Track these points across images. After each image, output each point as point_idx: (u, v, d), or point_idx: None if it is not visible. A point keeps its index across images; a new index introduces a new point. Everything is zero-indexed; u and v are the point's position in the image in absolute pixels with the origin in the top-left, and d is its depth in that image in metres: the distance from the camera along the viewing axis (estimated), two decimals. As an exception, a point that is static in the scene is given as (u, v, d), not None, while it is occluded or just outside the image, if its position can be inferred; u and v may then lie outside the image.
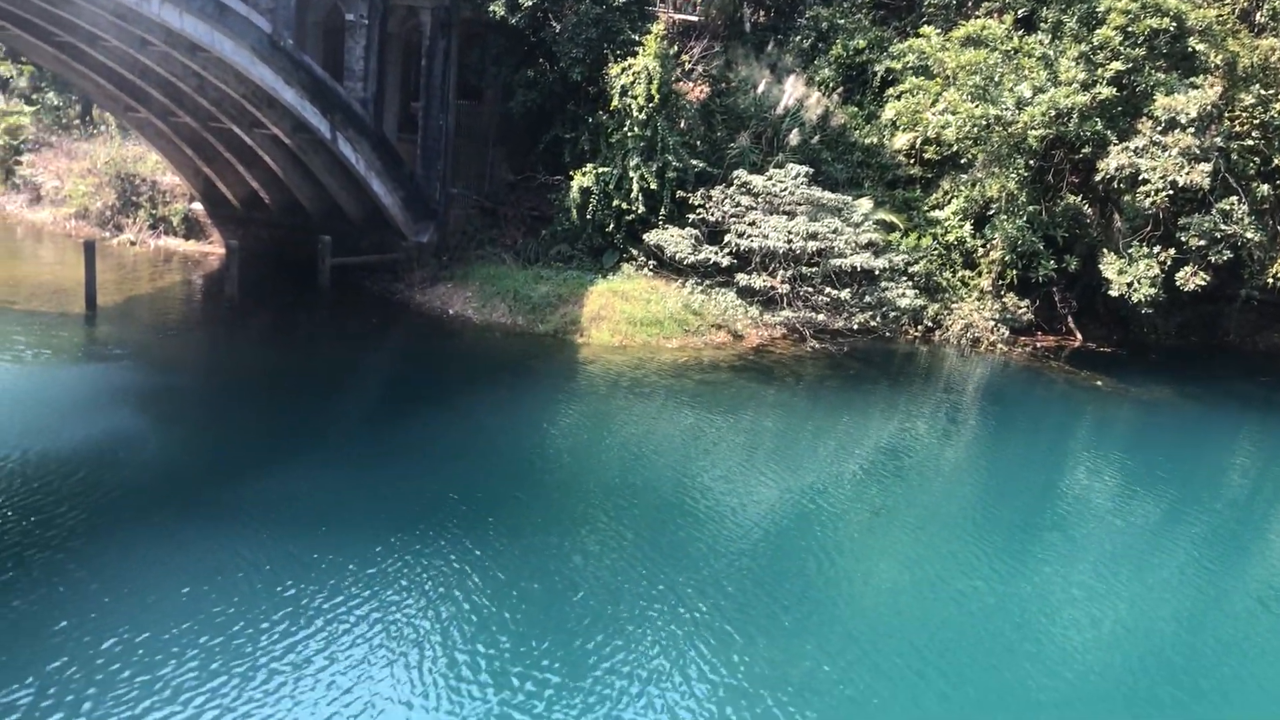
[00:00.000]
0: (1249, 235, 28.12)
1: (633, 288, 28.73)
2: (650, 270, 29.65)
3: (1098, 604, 14.92)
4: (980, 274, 31.45)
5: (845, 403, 24.45)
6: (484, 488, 16.77)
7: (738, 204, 29.65)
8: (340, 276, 30.05)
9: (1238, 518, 20.01)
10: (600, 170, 29.72)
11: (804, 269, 29.23)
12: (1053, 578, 15.73)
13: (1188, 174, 27.64)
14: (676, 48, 32.44)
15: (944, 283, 31.26)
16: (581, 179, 29.81)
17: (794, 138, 31.47)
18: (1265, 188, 28.92)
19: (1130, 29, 28.56)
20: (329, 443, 18.83)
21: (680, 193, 30.00)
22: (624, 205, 29.60)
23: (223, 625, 11.74)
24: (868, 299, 29.75)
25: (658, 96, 29.05)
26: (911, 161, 33.52)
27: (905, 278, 30.38)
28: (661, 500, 17.09)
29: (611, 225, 30.08)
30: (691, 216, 29.79)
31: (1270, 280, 29.60)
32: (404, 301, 29.57)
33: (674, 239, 29.27)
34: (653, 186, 29.33)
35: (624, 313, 27.81)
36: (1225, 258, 28.63)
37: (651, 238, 29.48)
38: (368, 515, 15.19)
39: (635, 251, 30.13)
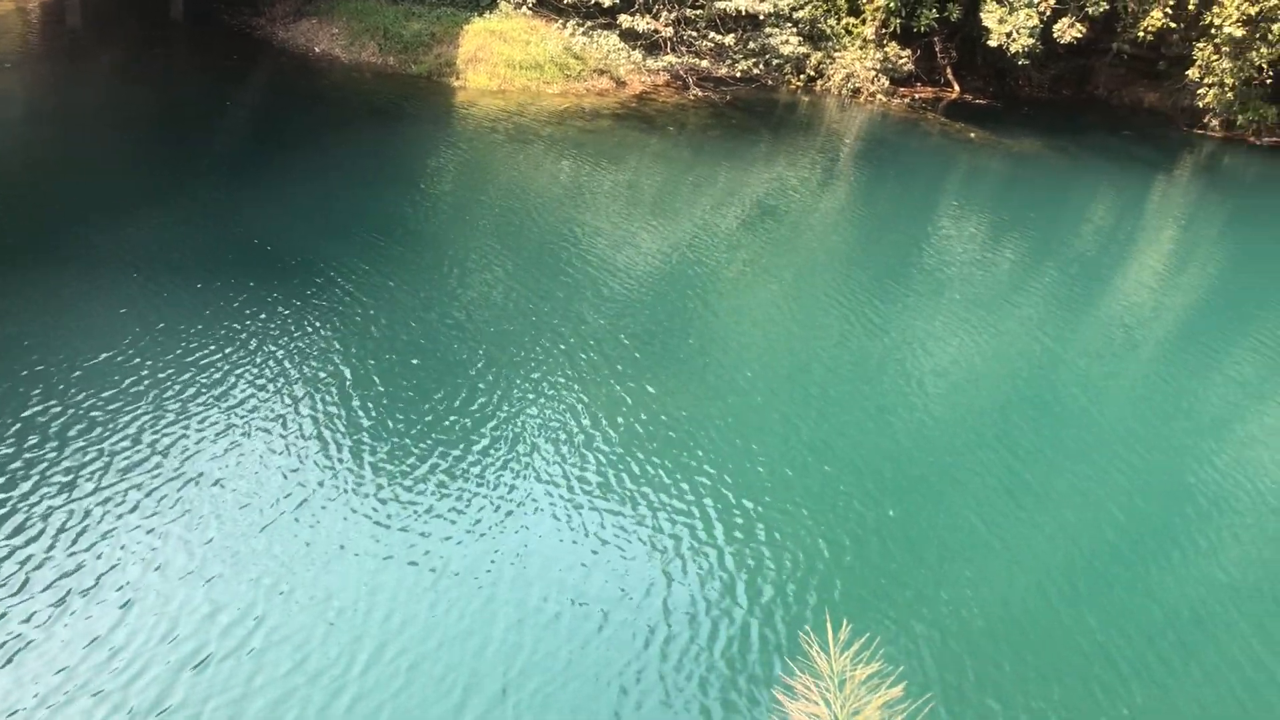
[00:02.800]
0: (1127, -13, 28.24)
1: (511, 27, 27.56)
2: (529, 9, 28.38)
3: (965, 343, 15.82)
4: (864, 22, 31.07)
5: (727, 153, 24.45)
6: (357, 237, 16.47)
7: (620, -60, 28.29)
8: (194, 8, 27.99)
9: (1095, 261, 21.15)
10: (474, -103, 27.81)
11: (688, 11, 28.39)
12: (924, 321, 16.54)
13: (1074, -79, 27.28)
14: None
15: (828, 30, 30.83)
16: (454, -93, 27.88)
17: None
18: (1147, -62, 28.84)
19: None
20: (194, 188, 18.07)
21: (560, -75, 28.40)
22: (500, -63, 27.94)
23: (113, 379, 11.57)
24: (751, 45, 29.23)
25: None
26: (801, -101, 32.16)
27: (790, 24, 29.83)
28: (544, 252, 17.11)
29: (487, -41, 28.47)
30: (572, -48, 28.37)
31: (1140, 34, 30.05)
32: (265, 38, 27.82)
33: (553, -24, 27.97)
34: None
35: (502, 55, 26.78)
36: (1102, 9, 28.83)
37: (530, -26, 28.08)
38: (240, 265, 14.82)
39: (514, -12, 28.70)
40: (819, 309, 16.46)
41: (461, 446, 11.18)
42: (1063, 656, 9.42)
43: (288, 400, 11.57)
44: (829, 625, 6.01)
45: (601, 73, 27.74)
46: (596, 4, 28.12)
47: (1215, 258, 23.31)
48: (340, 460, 10.64)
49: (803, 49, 29.83)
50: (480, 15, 27.97)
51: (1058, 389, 14.99)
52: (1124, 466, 12.95)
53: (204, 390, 11.49)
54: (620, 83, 27.86)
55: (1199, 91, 30.61)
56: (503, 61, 26.67)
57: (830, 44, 30.79)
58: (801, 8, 30.03)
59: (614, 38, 28.22)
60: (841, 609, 9.53)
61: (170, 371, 11.71)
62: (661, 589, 9.46)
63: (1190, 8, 29.71)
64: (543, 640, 8.61)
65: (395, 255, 15.93)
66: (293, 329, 13.15)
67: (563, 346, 13.69)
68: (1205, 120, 31.72)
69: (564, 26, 28.07)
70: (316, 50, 27.05)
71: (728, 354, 14.57)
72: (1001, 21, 29.13)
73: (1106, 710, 8.87)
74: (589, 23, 28.33)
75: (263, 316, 13.36)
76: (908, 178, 25.39)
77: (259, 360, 12.31)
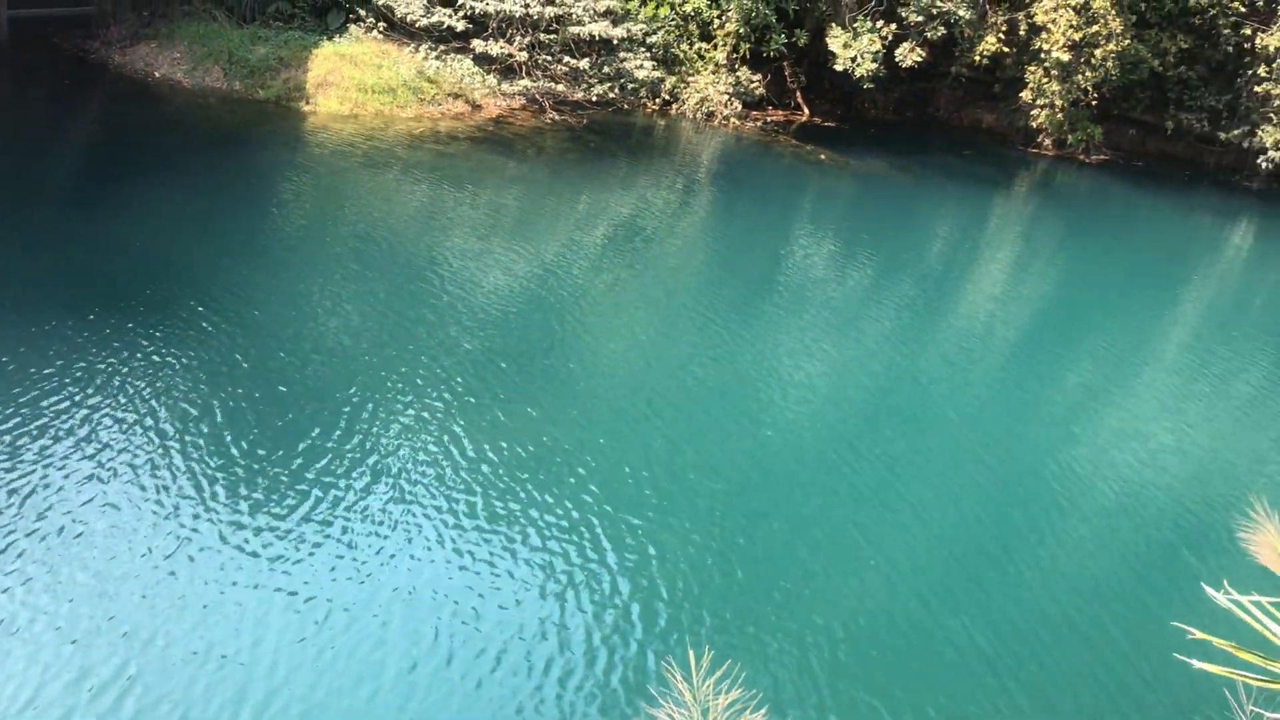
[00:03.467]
0: (961, 13, 29.67)
1: (362, 52, 27.01)
2: (380, 33, 27.90)
3: (829, 357, 16.20)
4: (716, 47, 31.68)
5: (586, 175, 24.49)
6: (213, 267, 15.75)
7: (472, -37, 28.10)
8: (22, 30, 26.44)
9: (944, 275, 22.01)
10: (320, -81, 27.21)
11: (542, 36, 28.40)
12: (787, 336, 16.86)
13: (911, -50, 28.48)
14: None
15: (681, 55, 31.33)
16: (299, -72, 27.22)
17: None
18: (978, -33, 30.34)
19: None
20: (29, 220, 16.99)
21: (410, -51, 28.02)
22: (348, -40, 27.41)
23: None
24: (606, 70, 29.43)
25: None
26: (650, -74, 32.66)
27: (643, 48, 30.17)
28: (410, 276, 16.75)
29: (335, -18, 27.86)
30: (423, -24, 28.01)
31: (977, 59, 31.55)
32: (101, 62, 26.48)
33: (404, 0, 27.53)
34: (378, -60, 27.23)
35: (354, 79, 26.21)
36: (940, 35, 30.16)
37: (380, -3, 27.60)
38: (90, 300, 13.94)
39: (363, 12, 28.15)
40: (686, 326, 16.60)
41: (342, 481, 10.78)
42: (941, 663, 9.65)
43: (153, 441, 10.93)
44: (704, 652, 5.98)
45: (456, 96, 27.45)
46: (449, 28, 27.86)
47: (1054, 268, 24.58)
48: (214, 502, 10.10)
49: (657, 73, 30.20)
50: (330, 39, 27.33)
51: (920, 398, 15.50)
52: (988, 471, 13.45)
53: (59, 436, 10.75)
54: (476, 106, 27.63)
55: (1032, 113, 32.28)
56: (354, 86, 26.10)
57: (684, 68, 31.28)
58: (655, 33, 30.42)
59: (468, 62, 28.00)
60: (715, 631, 9.56)
61: (18, 418, 10.92)
62: (554, 620, 9.29)
63: (1021, 33, 31.36)
64: (436, 684, 8.33)
65: (256, 284, 15.32)
66: (155, 364, 12.47)
67: (439, 371, 13.39)
68: (1039, 140, 33.47)
69: (416, 51, 27.69)
70: (157, 75, 25.93)
71: (602, 373, 14.54)
72: (846, 47, 30.16)
73: (990, 715, 9.13)
74: (442, 47, 28.03)
75: (122, 353, 12.61)
76: (763, 198, 25.91)
77: (119, 399, 11.60)
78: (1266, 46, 30.85)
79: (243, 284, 15.25)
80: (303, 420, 11.80)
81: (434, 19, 27.65)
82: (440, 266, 17.30)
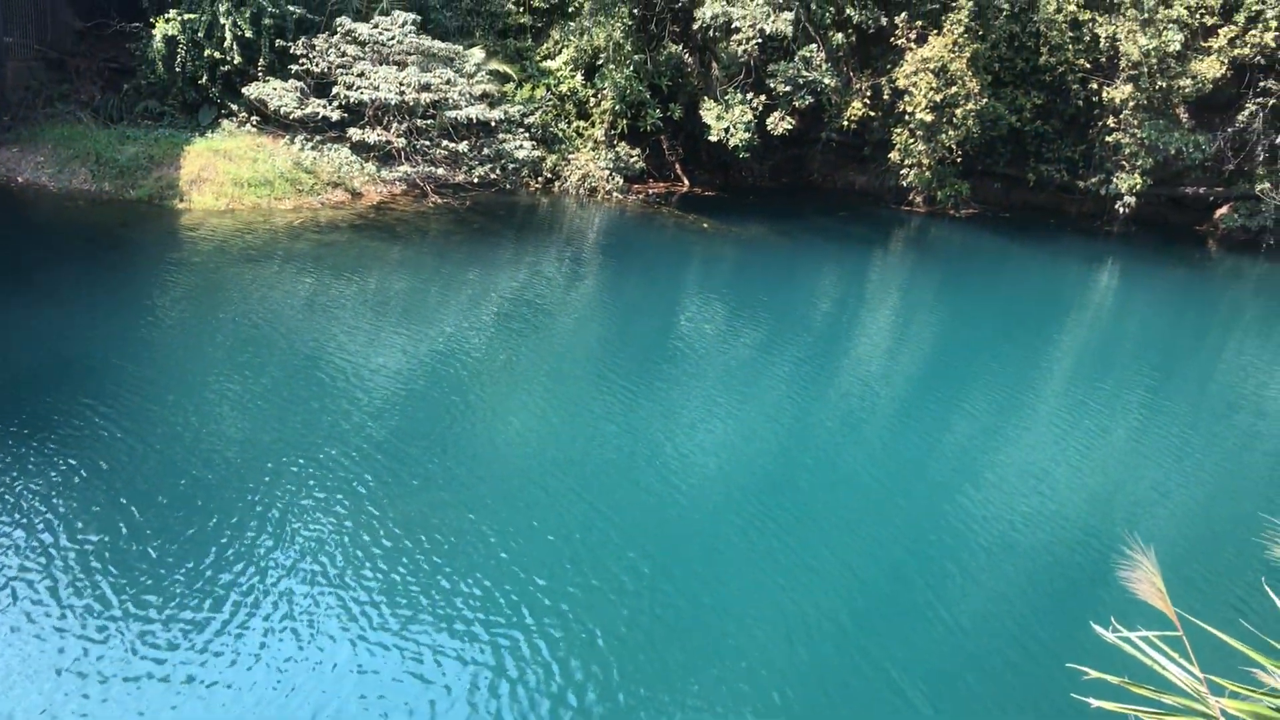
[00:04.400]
0: (827, 81, 30.75)
1: (236, 146, 26.68)
2: (254, 127, 27.65)
3: (726, 420, 16.28)
4: (593, 124, 32.19)
5: (471, 257, 24.45)
6: (89, 370, 15.19)
7: (344, 54, 28.14)
8: None
9: (831, 333, 22.45)
10: (187, 16, 26.96)
11: (419, 122, 28.48)
12: (683, 403, 16.92)
13: (773, 22, 29.56)
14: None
15: (560, 133, 31.73)
16: (165, 26, 26.91)
17: (398, -18, 30.16)
18: (840, 36, 31.61)
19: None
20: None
21: (280, 41, 27.95)
22: (217, 56, 27.18)
23: None
24: (486, 151, 29.61)
25: (244, -66, 26.60)
26: (521, 10, 33.28)
27: (522, 129, 30.48)
28: (297, 366, 16.38)
29: (205, 78, 27.57)
30: (295, 68, 27.92)
31: (845, 124, 32.68)
32: (-41, 170, 25.60)
33: (277, 92, 27.36)
34: (248, 35, 27.10)
35: (229, 174, 25.83)
36: (808, 103, 31.19)
37: (252, 91, 27.36)
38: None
39: (235, 107, 27.91)
40: (588, 396, 16.57)
41: (256, 580, 10.35)
42: (857, 710, 9.65)
43: (37, 556, 10.36)
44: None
45: (336, 185, 27.27)
46: (324, 119, 27.74)
47: (936, 318, 25.31)
48: (107, 617, 9.58)
49: (537, 153, 30.50)
50: (201, 135, 26.97)
51: (821, 452, 15.69)
52: (889, 521, 13.62)
53: (-85, 564, 10.12)
54: (356, 194, 27.47)
55: (901, 172, 33.51)
56: (229, 180, 25.72)
57: (564, 146, 31.66)
58: (532, 114, 30.78)
59: (345, 150, 27.88)
60: (639, 695, 9.40)
61: None
62: (485, 704, 9.02)
63: (885, 97, 32.65)
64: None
65: (149, 382, 14.79)
66: (49, 473, 11.87)
67: (344, 460, 13.04)
68: (910, 198, 34.70)
69: (292, 142, 27.48)
70: (20, 180, 25.15)
71: (509, 448, 14.37)
72: (719, 118, 30.98)
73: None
74: (318, 137, 27.87)
75: (13, 467, 12.01)
76: (651, 268, 26.20)
77: (14, 513, 11.01)
78: (1113, 99, 32.70)
79: (136, 383, 14.74)
80: (210, 519, 11.34)
81: (308, 110, 27.52)
82: (334, 354, 16.98)
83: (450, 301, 21.36)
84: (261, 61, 27.66)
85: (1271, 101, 33.64)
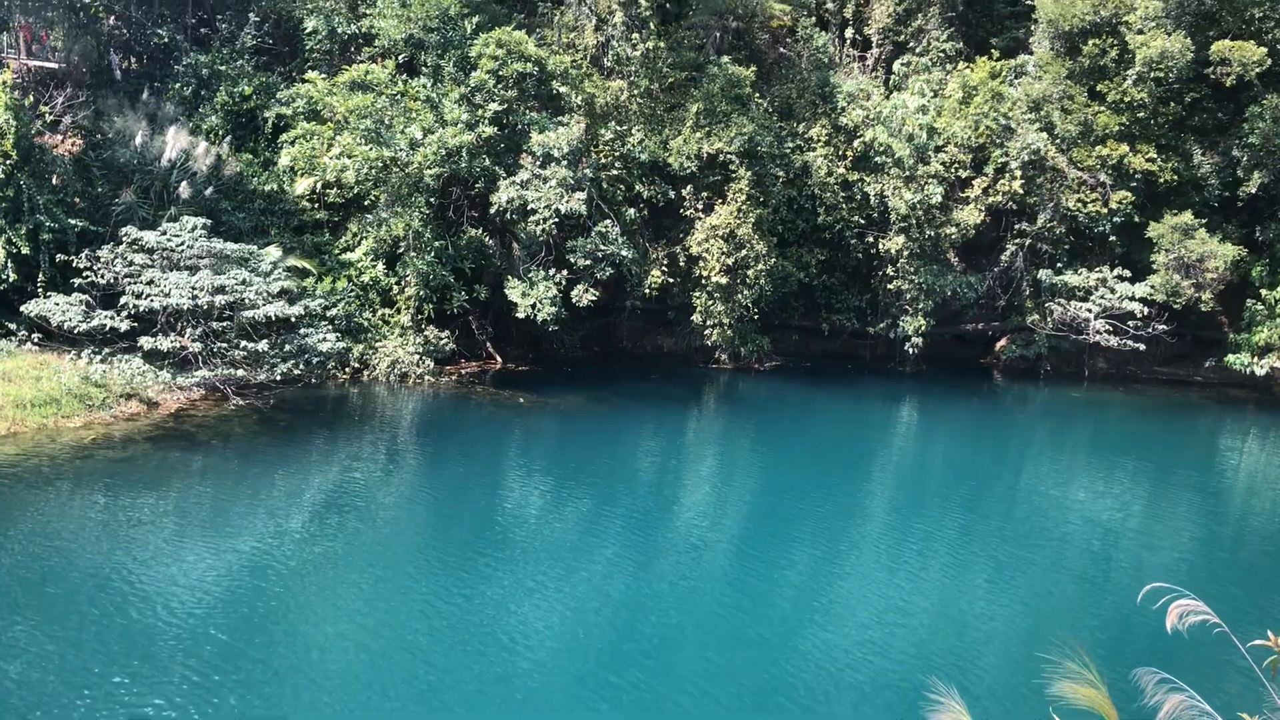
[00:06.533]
0: (624, 253, 31.91)
1: (15, 366, 25.26)
2: (35, 344, 26.32)
3: (554, 595, 15.97)
4: (399, 311, 32.17)
5: (280, 457, 23.59)
6: None
7: (131, 263, 27.35)
8: None
9: (657, 493, 22.62)
10: (-45, 237, 25.80)
11: (215, 324, 27.76)
12: (512, 582, 16.53)
13: (568, 202, 30.67)
14: (34, 98, 29.21)
15: (365, 323, 31.54)
16: (-69, 248, 25.65)
17: (185, 190, 29.82)
18: (631, 211, 33.07)
19: (500, 73, 31.02)
20: None
21: (61, 255, 27.01)
22: (-9, 275, 25.99)
23: None
24: (288, 348, 28.99)
25: (15, 153, 25.89)
26: (316, 206, 33.39)
27: (325, 322, 30.11)
28: (82, 598, 15.17)
29: (-22, 299, 26.25)
30: (78, 281, 26.93)
31: (647, 291, 33.80)
32: None
33: (60, 307, 26.24)
34: (25, 252, 26.12)
35: (9, 396, 24.32)
36: (608, 274, 32.19)
37: (32, 308, 26.17)
38: None
39: (13, 325, 26.58)
40: (405, 591, 16.00)
41: None
42: None
43: None
44: None
45: (129, 397, 26.05)
46: (113, 329, 26.70)
47: (755, 467, 25.92)
48: None
49: (342, 344, 30.09)
50: (-24, 357, 25.45)
51: (656, 614, 15.52)
52: (744, 663, 13.58)
53: None
54: (152, 404, 26.29)
55: (705, 332, 34.71)
56: (10, 403, 24.21)
57: (370, 335, 31.43)
58: (335, 305, 30.52)
59: (137, 360, 26.80)
60: None
61: None
62: None
63: (682, 264, 34.05)
64: None
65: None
66: None
67: (129, 688, 11.99)
68: (716, 355, 35.89)
69: (79, 356, 26.25)
70: None
71: (330, 653, 13.60)
72: (524, 295, 31.53)
73: None
74: (106, 349, 26.75)
75: None
76: (469, 449, 25.92)
77: None
78: (889, 249, 35.17)
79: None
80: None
81: (95, 323, 26.46)
82: (122, 580, 15.81)
83: (260, 506, 20.43)
84: (41, 277, 26.61)
85: (1028, 241, 36.89)
